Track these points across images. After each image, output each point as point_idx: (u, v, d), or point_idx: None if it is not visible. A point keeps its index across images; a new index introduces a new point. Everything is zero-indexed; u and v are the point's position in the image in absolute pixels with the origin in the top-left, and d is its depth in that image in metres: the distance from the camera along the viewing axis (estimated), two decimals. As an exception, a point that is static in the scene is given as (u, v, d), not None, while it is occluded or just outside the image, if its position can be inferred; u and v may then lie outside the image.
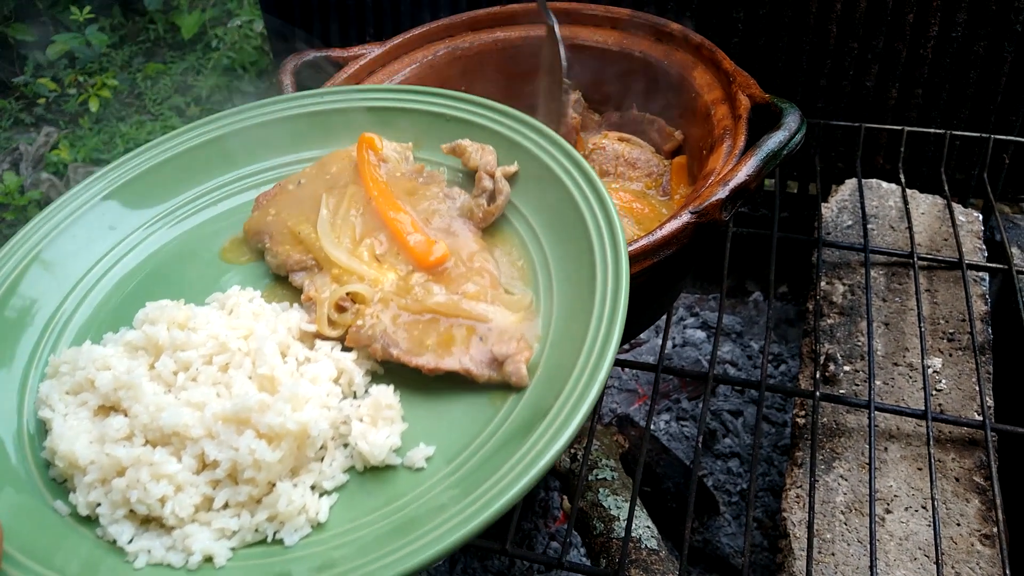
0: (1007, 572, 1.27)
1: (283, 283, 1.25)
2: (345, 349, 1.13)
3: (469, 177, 1.31)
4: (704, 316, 2.44)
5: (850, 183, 2.06)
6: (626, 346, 2.34)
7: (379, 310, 1.12)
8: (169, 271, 1.29)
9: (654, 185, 1.66)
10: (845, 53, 2.10)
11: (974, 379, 1.57)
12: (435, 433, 1.04)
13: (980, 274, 1.77)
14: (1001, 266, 1.74)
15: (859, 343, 1.68)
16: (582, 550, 1.82)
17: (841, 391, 1.60)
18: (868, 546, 1.31)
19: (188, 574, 0.94)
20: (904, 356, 1.64)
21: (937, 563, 1.25)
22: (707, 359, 2.27)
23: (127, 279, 1.28)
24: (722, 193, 1.28)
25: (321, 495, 1.01)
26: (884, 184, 2.02)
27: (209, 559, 0.95)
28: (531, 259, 1.20)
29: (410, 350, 1.08)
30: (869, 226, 1.89)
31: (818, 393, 1.51)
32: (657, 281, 1.32)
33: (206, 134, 1.42)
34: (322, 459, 1.03)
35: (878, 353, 1.65)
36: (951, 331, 1.66)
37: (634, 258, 1.23)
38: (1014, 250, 1.83)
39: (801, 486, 1.48)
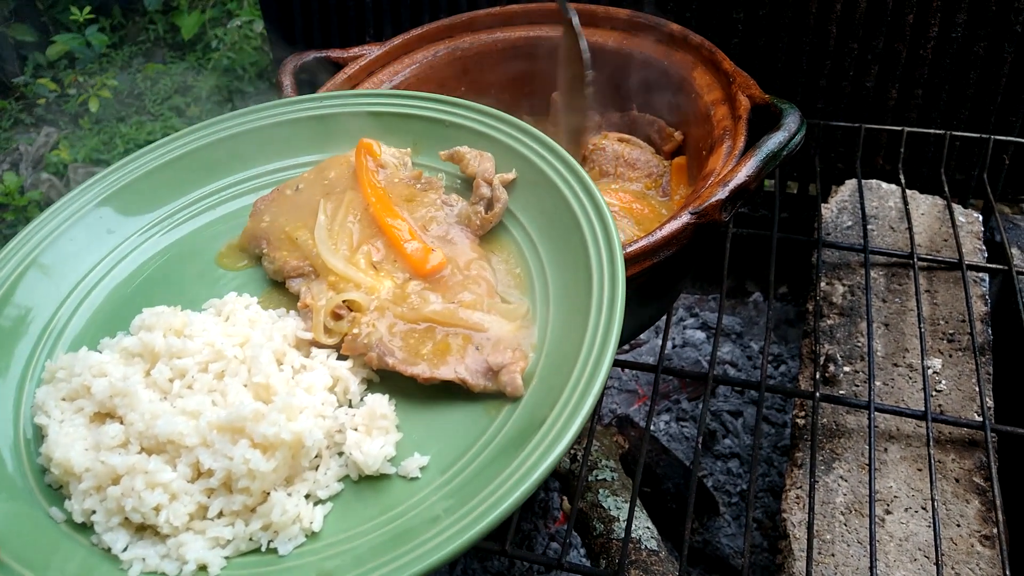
0: (1007, 573, 1.27)
1: (280, 289, 1.24)
2: (341, 357, 1.13)
3: (467, 184, 1.31)
4: (704, 317, 2.44)
5: (850, 184, 2.05)
6: (626, 347, 2.34)
7: (375, 318, 1.12)
8: (166, 276, 1.29)
9: (654, 186, 1.66)
10: (845, 54, 2.10)
11: (974, 380, 1.57)
12: (430, 443, 1.04)
13: (980, 275, 1.76)
14: (1001, 267, 1.74)
15: (859, 344, 1.68)
16: (582, 551, 1.82)
17: (841, 392, 1.60)
18: (868, 547, 1.31)
19: (182, 583, 0.94)
20: (904, 357, 1.64)
21: (937, 564, 1.25)
22: (707, 360, 2.27)
23: (124, 284, 1.28)
24: (722, 194, 1.28)
25: (315, 504, 1.00)
26: (884, 185, 2.02)
27: (203, 568, 0.95)
28: (528, 267, 1.20)
29: (406, 359, 1.08)
30: (869, 227, 1.89)
31: (818, 394, 1.50)
32: (657, 282, 1.32)
33: (204, 138, 1.41)
34: (317, 468, 1.03)
35: (878, 354, 1.65)
36: (951, 332, 1.66)
37: (634, 259, 1.23)
38: (1014, 251, 1.82)
39: (801, 487, 1.48)
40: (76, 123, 3.89)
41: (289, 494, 0.99)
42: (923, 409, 1.46)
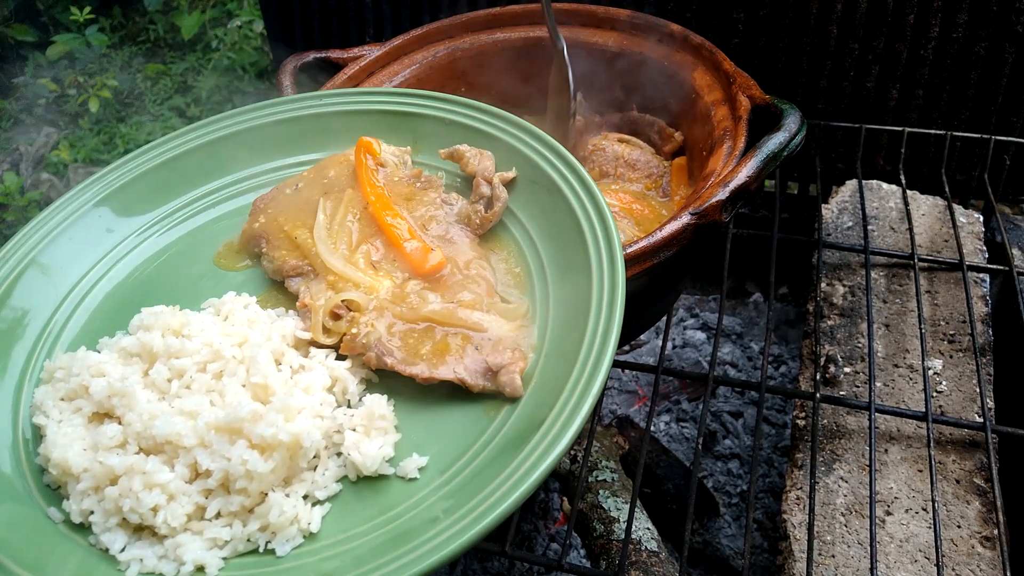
0: (1008, 574, 1.26)
1: (279, 288, 1.24)
2: (340, 357, 1.13)
3: (467, 182, 1.30)
4: (704, 317, 2.43)
5: (850, 184, 2.05)
6: (626, 347, 2.33)
7: (374, 318, 1.12)
8: (165, 275, 1.29)
9: (654, 186, 1.66)
10: (846, 54, 2.09)
11: (975, 381, 1.56)
12: (429, 443, 1.04)
13: (981, 275, 1.76)
14: (1002, 267, 1.74)
15: (859, 344, 1.67)
16: (582, 552, 1.82)
17: (841, 393, 1.60)
18: (868, 548, 1.30)
19: (180, 583, 0.94)
20: (904, 357, 1.63)
21: (937, 565, 1.25)
22: (707, 360, 2.27)
23: (123, 283, 1.28)
24: (722, 194, 1.27)
25: (314, 505, 1.00)
26: (884, 185, 2.02)
27: (201, 569, 0.94)
28: (528, 266, 1.20)
29: (404, 359, 1.08)
30: (869, 227, 1.89)
31: (818, 395, 1.50)
32: (657, 282, 1.32)
33: (204, 137, 1.41)
34: (315, 468, 1.03)
35: (878, 354, 1.64)
36: (952, 332, 1.66)
37: (634, 259, 1.23)
38: (1015, 251, 1.82)
39: (801, 488, 1.48)
40: (76, 123, 3.89)
41: (287, 495, 0.99)
42: (924, 410, 1.46)
